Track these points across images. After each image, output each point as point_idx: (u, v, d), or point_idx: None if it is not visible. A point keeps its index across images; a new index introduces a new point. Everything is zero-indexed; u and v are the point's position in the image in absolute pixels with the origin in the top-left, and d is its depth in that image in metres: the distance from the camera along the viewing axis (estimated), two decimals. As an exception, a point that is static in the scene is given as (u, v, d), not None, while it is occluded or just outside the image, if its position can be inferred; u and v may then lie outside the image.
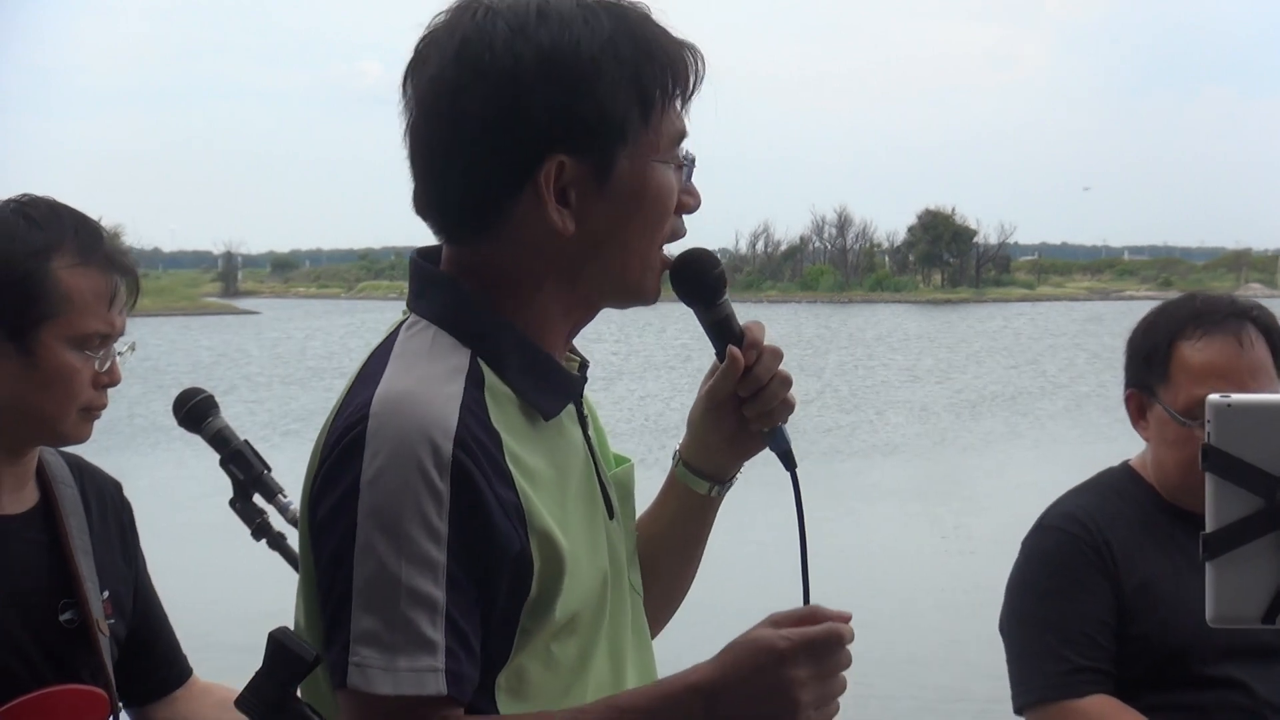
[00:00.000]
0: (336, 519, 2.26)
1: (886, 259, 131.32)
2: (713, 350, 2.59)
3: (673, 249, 2.50)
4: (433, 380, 2.31)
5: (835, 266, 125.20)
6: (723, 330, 2.56)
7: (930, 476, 26.05)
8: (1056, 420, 33.54)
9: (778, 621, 2.29)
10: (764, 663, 2.24)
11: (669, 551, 2.69)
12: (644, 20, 2.39)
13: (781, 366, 2.58)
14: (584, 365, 2.55)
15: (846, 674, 2.32)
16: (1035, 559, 3.86)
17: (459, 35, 2.35)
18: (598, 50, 2.33)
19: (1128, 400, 3.90)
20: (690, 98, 2.44)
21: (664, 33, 2.40)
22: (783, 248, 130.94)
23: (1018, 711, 3.82)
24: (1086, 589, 3.77)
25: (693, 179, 2.48)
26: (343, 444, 2.29)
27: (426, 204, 2.43)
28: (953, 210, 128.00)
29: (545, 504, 2.33)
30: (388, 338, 2.42)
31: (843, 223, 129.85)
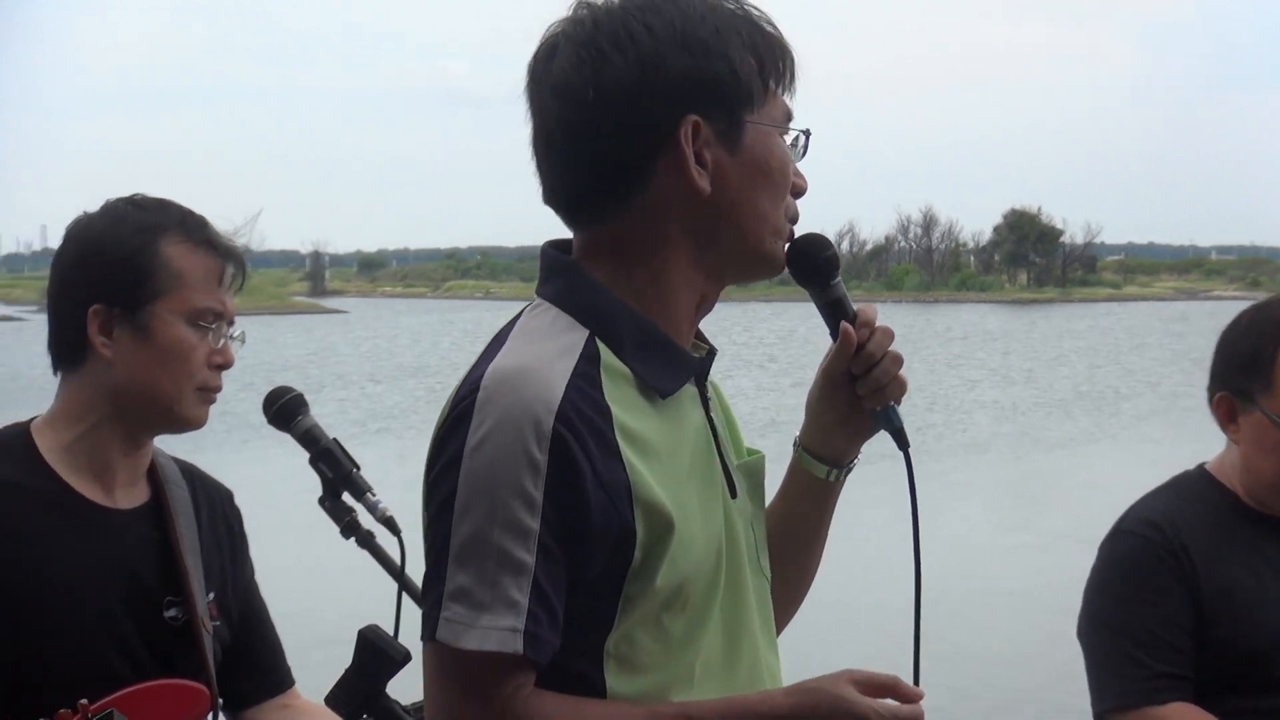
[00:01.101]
0: (441, 483, 2.37)
1: (972, 259, 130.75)
2: (828, 335, 2.65)
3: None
4: (544, 356, 2.40)
5: (920, 266, 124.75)
6: (837, 310, 2.61)
7: (1016, 476, 25.95)
8: (1145, 421, 33.34)
9: (858, 681, 2.37)
10: (838, 712, 2.35)
11: (791, 538, 2.73)
12: (754, 13, 2.50)
13: (889, 326, 2.63)
14: (711, 352, 2.61)
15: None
16: (1112, 564, 3.82)
17: (591, 20, 2.47)
18: (722, 23, 2.45)
19: (1218, 403, 3.82)
20: (791, 85, 2.54)
21: (773, 26, 2.51)
22: (868, 248, 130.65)
23: (1097, 718, 3.79)
24: (1164, 594, 3.71)
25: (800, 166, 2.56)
26: (453, 415, 2.39)
27: (557, 190, 2.52)
28: (1038, 210, 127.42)
29: (655, 475, 2.39)
30: (512, 319, 2.52)
31: (928, 222, 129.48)
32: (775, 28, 2.51)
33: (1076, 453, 28.43)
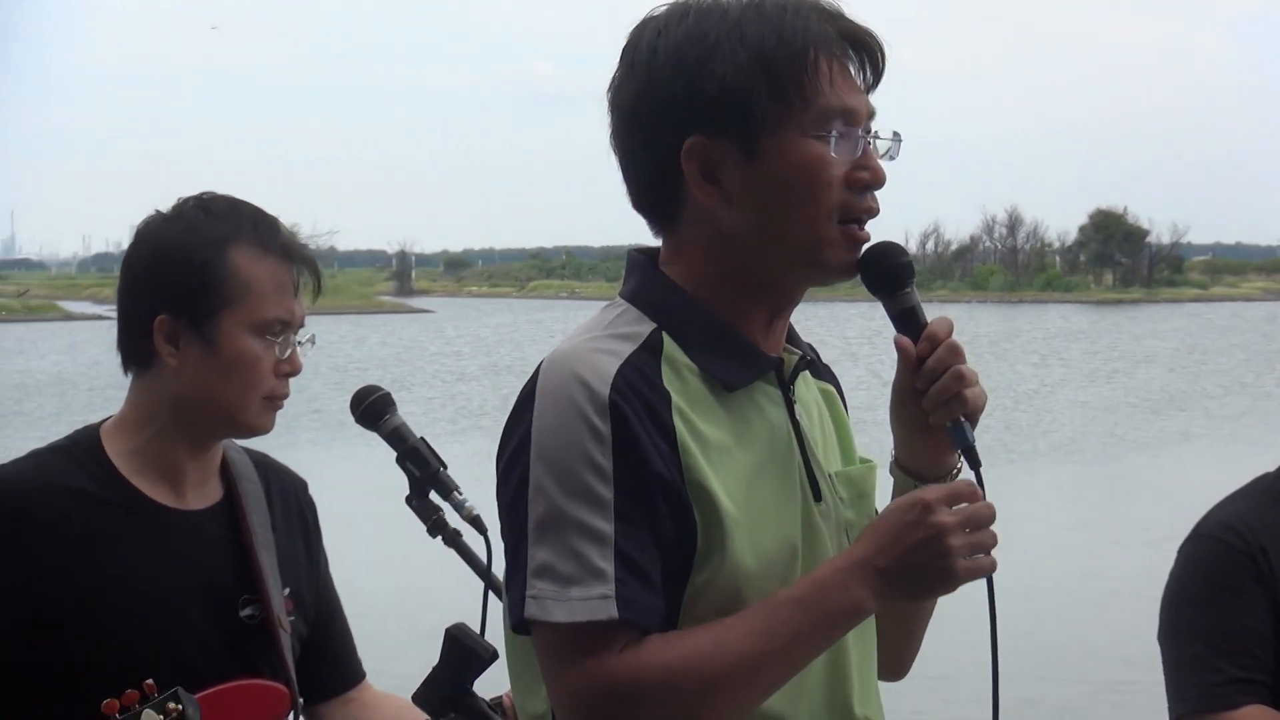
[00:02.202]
0: (513, 468, 2.41)
1: (1057, 259, 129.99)
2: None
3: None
4: (600, 340, 2.45)
5: (1005, 266, 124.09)
6: (906, 321, 2.55)
7: (1104, 476, 25.81)
8: (1235, 421, 33.10)
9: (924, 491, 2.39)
10: (912, 516, 2.36)
11: None
12: (786, 6, 2.45)
13: (959, 343, 2.55)
14: (804, 358, 2.61)
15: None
16: (1190, 568, 3.78)
17: (628, 40, 2.53)
18: (721, 35, 2.43)
19: None
20: (867, 71, 2.50)
21: (810, 15, 2.46)
22: (953, 248, 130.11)
23: None
24: (1242, 598, 3.68)
25: (871, 156, 2.50)
26: (518, 402, 2.45)
27: (633, 201, 2.57)
28: (1124, 210, 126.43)
29: (711, 465, 2.41)
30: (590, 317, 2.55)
31: (1013, 223, 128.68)
32: (810, 19, 2.45)
33: (1164, 453, 28.24)
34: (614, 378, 2.37)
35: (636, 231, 2.63)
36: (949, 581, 2.37)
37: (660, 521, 2.36)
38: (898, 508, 2.38)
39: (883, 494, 2.67)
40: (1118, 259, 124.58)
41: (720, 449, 2.43)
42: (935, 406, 2.53)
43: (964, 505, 2.39)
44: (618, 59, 2.52)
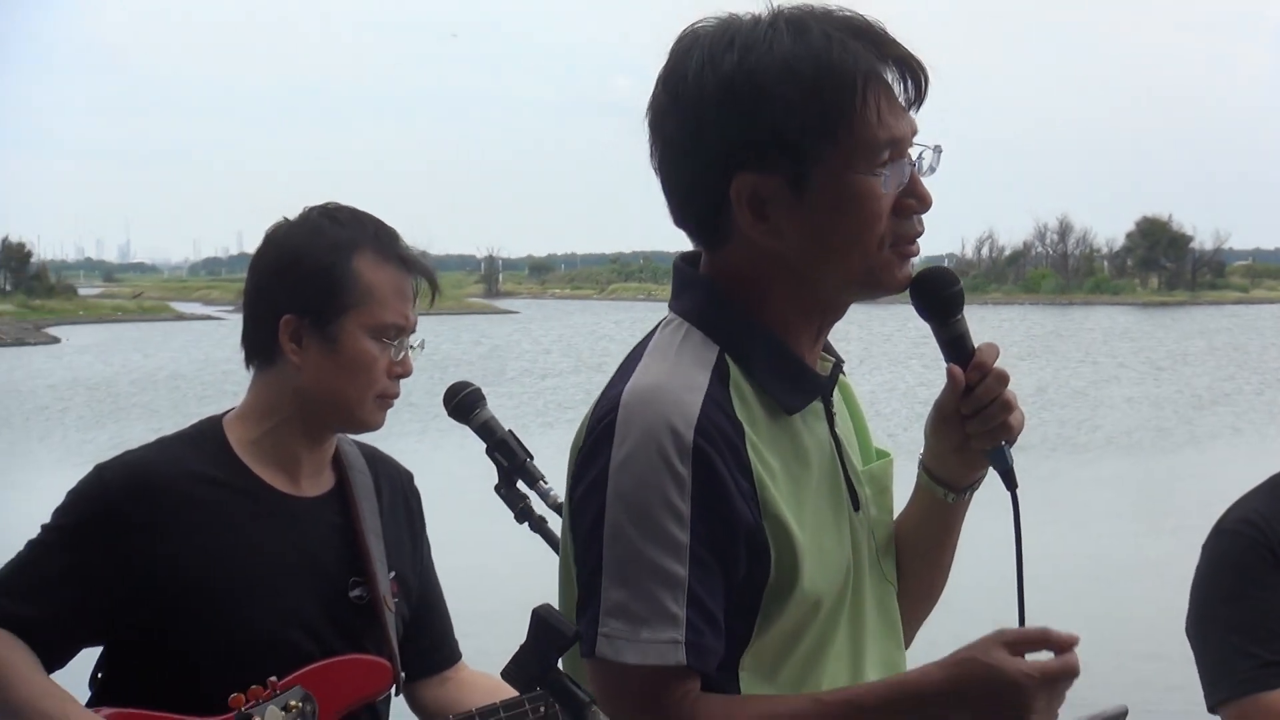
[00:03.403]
0: (589, 501, 2.32)
1: (1105, 264, 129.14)
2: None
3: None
4: (679, 373, 2.35)
5: (1056, 271, 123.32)
6: (955, 348, 2.48)
7: (1151, 470, 25.62)
8: (1274, 416, 32.85)
9: (1009, 643, 2.27)
10: (1005, 696, 2.25)
11: (916, 554, 2.61)
12: (833, 37, 2.33)
13: (1005, 370, 2.49)
14: (837, 365, 2.54)
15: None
16: (1214, 562, 3.76)
17: (669, 64, 2.40)
18: (773, 76, 2.31)
19: None
20: (914, 96, 2.39)
21: (855, 47, 2.34)
22: (1006, 253, 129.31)
23: (1211, 710, 3.73)
24: (1267, 588, 3.65)
25: (918, 183, 2.40)
26: (596, 432, 2.35)
27: (675, 220, 2.47)
28: (1169, 217, 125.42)
29: (781, 494, 2.35)
30: (647, 335, 2.46)
31: (1064, 229, 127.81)
32: (858, 50, 2.34)
33: (1211, 446, 28.03)
34: (699, 419, 2.29)
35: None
36: None
37: (734, 562, 2.31)
38: (991, 677, 2.25)
39: (902, 488, 2.64)
40: (1163, 264, 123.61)
41: (784, 475, 2.37)
42: (980, 433, 2.47)
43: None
44: (662, 81, 2.40)
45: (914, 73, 2.39)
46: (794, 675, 2.39)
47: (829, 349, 2.55)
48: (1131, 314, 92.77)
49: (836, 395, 2.55)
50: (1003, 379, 2.46)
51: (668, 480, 2.27)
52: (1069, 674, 2.27)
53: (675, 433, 2.28)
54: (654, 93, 2.42)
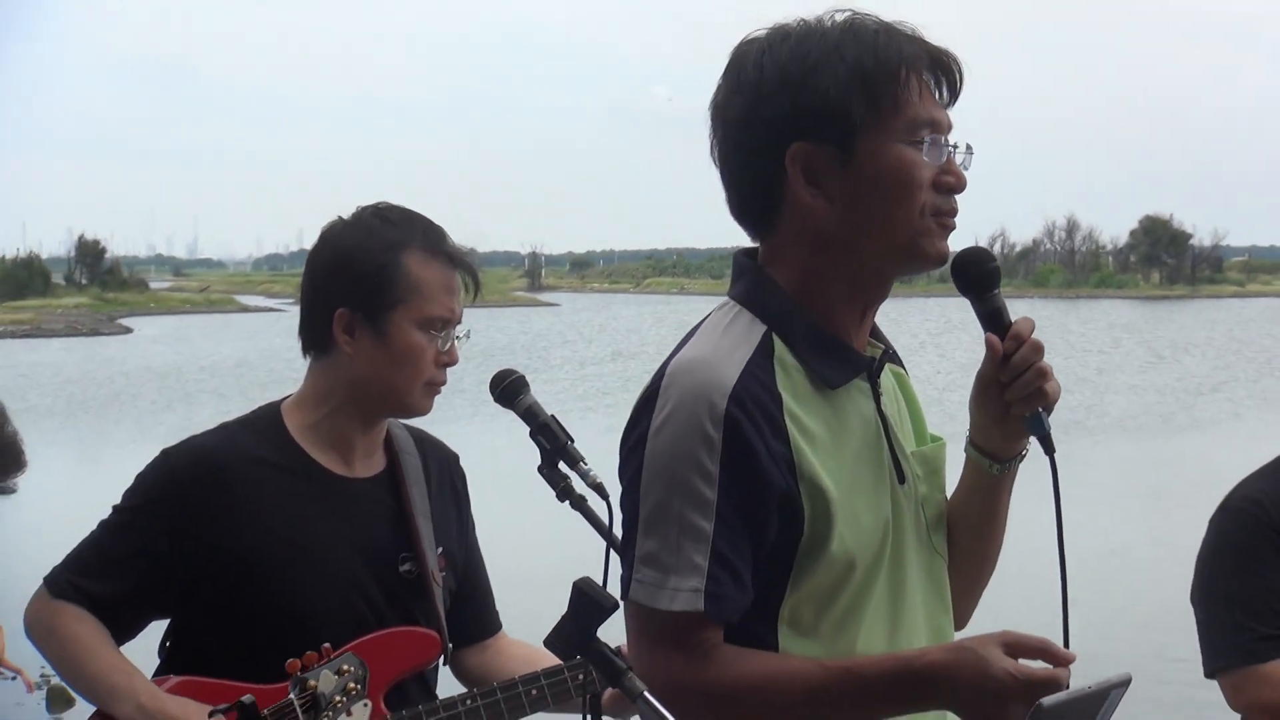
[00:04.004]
0: (631, 459, 2.40)
1: (1110, 260, 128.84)
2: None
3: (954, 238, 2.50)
4: (722, 348, 2.41)
5: (1064, 266, 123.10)
6: (993, 320, 2.51)
7: (1158, 449, 25.57)
8: (1270, 402, 32.75)
9: (1008, 644, 2.30)
10: (990, 689, 2.28)
11: (967, 527, 2.63)
12: (878, 31, 2.44)
13: (1040, 340, 2.52)
14: (887, 352, 2.58)
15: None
16: (1219, 538, 3.76)
17: (730, 63, 2.50)
18: (823, 55, 2.41)
19: None
20: (949, 89, 2.48)
21: (902, 38, 2.44)
22: (1017, 249, 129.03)
23: (1208, 676, 3.74)
24: (1268, 565, 3.66)
25: (954, 162, 2.47)
26: (642, 399, 2.43)
27: (733, 209, 2.53)
28: (1170, 216, 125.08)
29: (819, 458, 2.38)
30: (703, 318, 2.52)
31: (1071, 227, 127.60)
32: (903, 41, 2.44)
33: (1211, 430, 27.96)
34: (734, 387, 2.35)
35: (739, 235, 2.60)
36: None
37: (761, 522, 2.35)
38: (982, 671, 2.28)
39: (953, 469, 2.65)
40: (1164, 259, 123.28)
41: (825, 442, 2.41)
42: (1018, 399, 2.49)
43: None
44: (721, 77, 2.50)
45: (949, 71, 2.48)
46: (830, 632, 2.43)
47: (881, 337, 2.60)
48: (1135, 307, 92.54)
49: (890, 381, 2.60)
50: (1038, 348, 2.49)
51: (699, 443, 2.33)
52: (1053, 686, 2.28)
53: (710, 400, 2.34)
54: (716, 90, 2.50)
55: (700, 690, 2.33)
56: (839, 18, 2.45)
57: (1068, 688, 2.29)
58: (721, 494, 2.32)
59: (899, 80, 2.41)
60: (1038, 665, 2.33)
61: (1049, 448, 2.51)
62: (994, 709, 2.29)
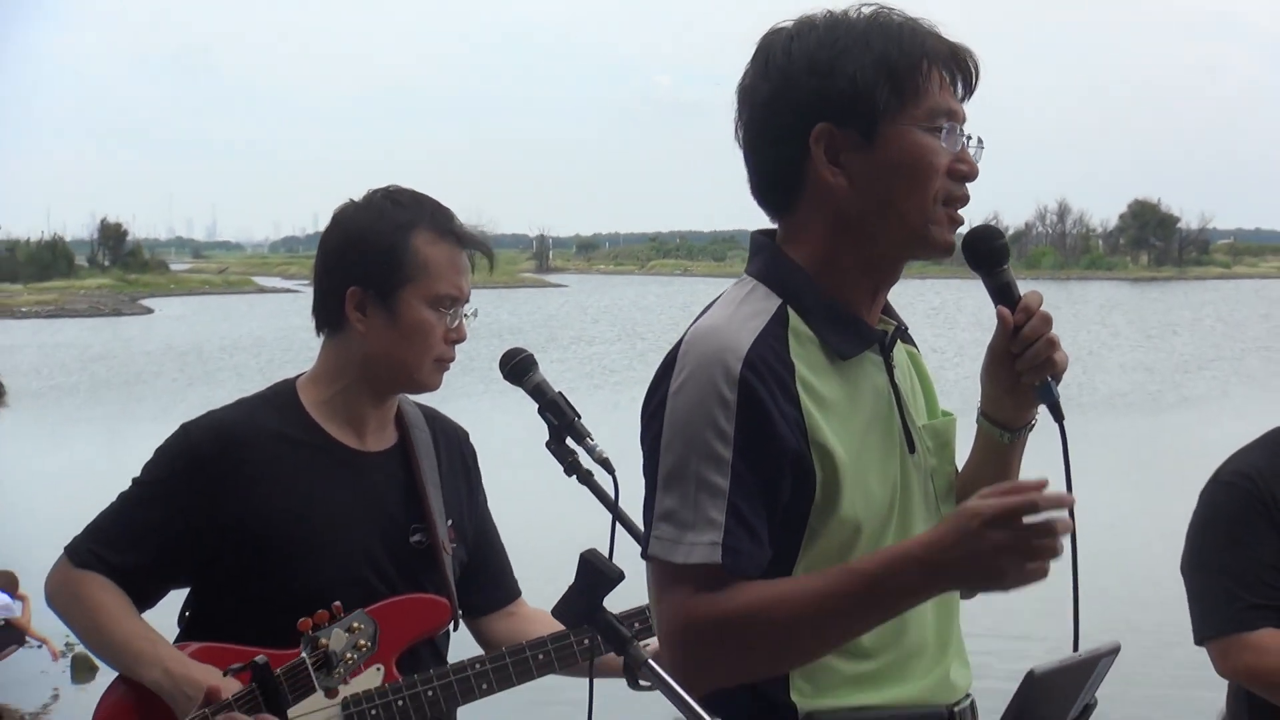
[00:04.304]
0: (652, 422, 2.43)
1: (1100, 242, 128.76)
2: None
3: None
4: (738, 317, 2.44)
5: (1055, 248, 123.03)
6: (1003, 294, 2.54)
7: (1143, 428, 25.57)
8: (1256, 380, 32.76)
9: (984, 495, 2.27)
10: (967, 526, 2.23)
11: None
12: (903, 23, 2.47)
13: (1049, 312, 2.54)
14: (898, 328, 2.60)
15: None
16: (1210, 510, 3.75)
17: (761, 45, 2.52)
18: (850, 43, 2.44)
19: None
20: (964, 83, 2.50)
21: (925, 33, 2.47)
22: (1010, 233, 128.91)
23: (1197, 643, 3.74)
24: (1256, 537, 3.65)
25: (968, 152, 2.49)
26: (664, 363, 2.45)
27: (752, 186, 2.55)
28: (1158, 200, 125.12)
29: (830, 424, 2.40)
30: (723, 291, 2.55)
31: (1062, 211, 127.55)
32: (926, 35, 2.46)
33: (1199, 407, 27.96)
34: (748, 352, 2.37)
35: (741, 220, 2.61)
36: (996, 586, 2.28)
37: (775, 481, 2.36)
38: (958, 516, 2.25)
39: (964, 442, 2.65)
40: (1152, 242, 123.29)
41: (836, 410, 2.42)
42: (1029, 368, 2.52)
43: (1020, 515, 2.23)
44: (752, 62, 2.52)
45: (966, 67, 2.50)
46: None
47: (893, 314, 2.61)
48: (1124, 288, 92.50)
49: (903, 357, 2.62)
50: (1047, 320, 2.52)
51: (716, 405, 2.35)
52: (1025, 506, 2.21)
53: (725, 364, 2.36)
54: (743, 74, 2.53)
55: (712, 623, 2.33)
56: (865, 10, 2.48)
57: (1045, 505, 2.22)
58: (737, 453, 2.34)
59: (921, 71, 2.44)
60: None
61: (1058, 415, 2.54)
62: (979, 549, 2.23)
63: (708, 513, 2.33)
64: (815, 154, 2.45)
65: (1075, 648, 2.39)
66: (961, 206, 2.50)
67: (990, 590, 2.32)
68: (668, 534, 2.36)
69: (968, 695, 2.54)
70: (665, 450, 2.38)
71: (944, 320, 48.91)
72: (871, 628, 2.37)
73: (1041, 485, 2.25)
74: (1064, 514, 2.25)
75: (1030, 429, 2.63)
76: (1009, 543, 2.22)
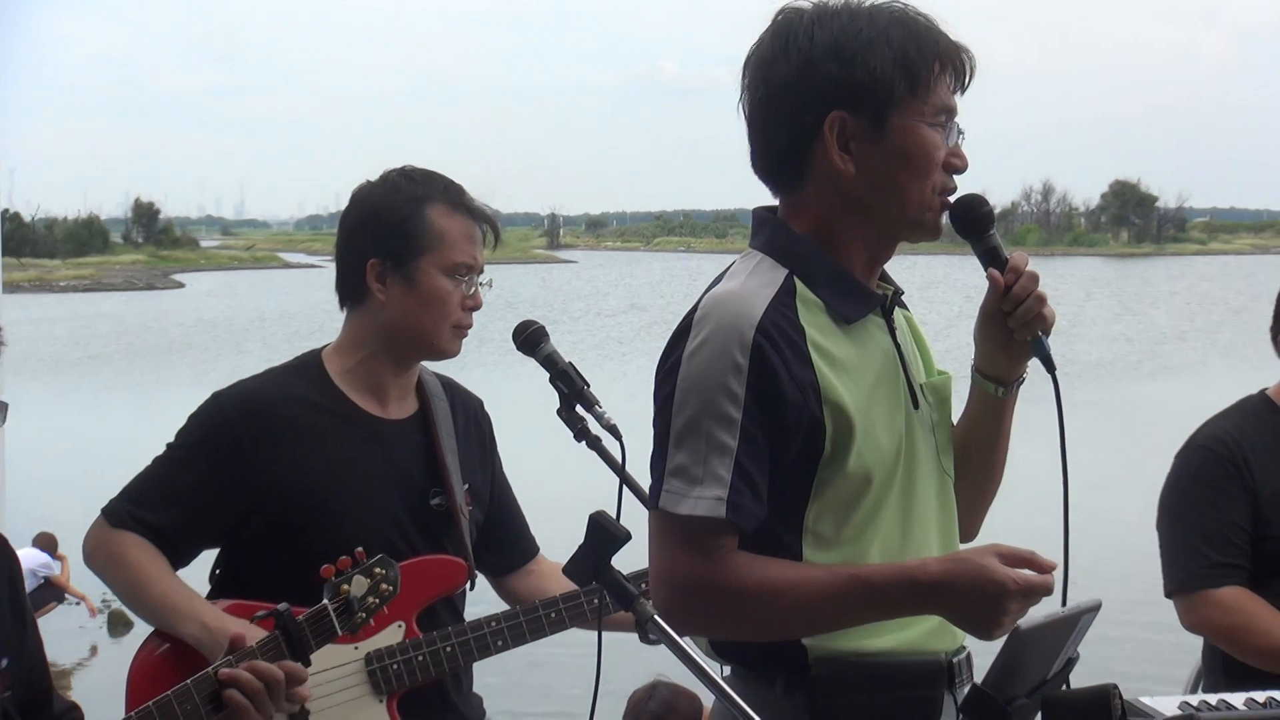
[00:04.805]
0: (666, 382, 2.43)
1: (1082, 220, 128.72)
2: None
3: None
4: (749, 286, 2.45)
5: (1040, 226, 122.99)
6: (991, 256, 2.57)
7: (1123, 395, 25.57)
8: (1229, 350, 32.76)
9: (1001, 554, 2.35)
10: (990, 591, 2.32)
11: (974, 448, 2.68)
12: (919, 21, 2.48)
13: (1036, 270, 2.58)
14: (897, 292, 2.62)
15: None
16: (1184, 472, 3.77)
17: (781, 23, 2.50)
18: (873, 35, 2.44)
19: (1275, 337, 3.79)
20: (960, 82, 2.51)
21: (937, 32, 2.49)
22: (997, 211, 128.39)
23: (1167, 595, 3.77)
24: (1226, 498, 3.68)
25: (960, 147, 2.52)
26: (679, 328, 2.46)
27: (758, 161, 2.55)
28: (1138, 180, 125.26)
29: (841, 383, 2.42)
30: (730, 264, 2.56)
31: (1046, 191, 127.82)
32: (942, 34, 2.48)
33: (1177, 375, 27.96)
34: (760, 320, 2.38)
35: (742, 199, 2.61)
36: (983, 638, 2.38)
37: (783, 441, 2.38)
38: (982, 577, 2.33)
39: (958, 398, 2.67)
40: (1132, 220, 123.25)
41: (847, 369, 2.44)
42: (1021, 324, 2.55)
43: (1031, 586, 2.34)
44: (770, 39, 2.49)
45: (961, 65, 2.51)
46: (848, 540, 2.45)
47: (889, 279, 2.63)
48: (1105, 264, 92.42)
49: (901, 320, 2.63)
50: (1035, 278, 2.56)
51: (729, 368, 2.36)
52: (1044, 590, 2.34)
53: (739, 330, 2.37)
54: (760, 46, 2.51)
55: (717, 591, 2.36)
56: (878, 2, 2.49)
57: (1050, 591, 2.35)
58: (746, 414, 2.35)
59: (933, 69, 2.46)
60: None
61: (1050, 366, 2.58)
62: (992, 610, 2.33)
63: (716, 469, 2.34)
64: (828, 139, 2.45)
65: (1064, 603, 2.39)
66: (951, 196, 2.53)
67: (972, 634, 2.42)
68: (677, 488, 2.37)
69: (963, 647, 2.56)
70: (678, 409, 2.39)
71: (935, 294, 48.84)
72: (860, 625, 2.43)
73: (1054, 566, 2.36)
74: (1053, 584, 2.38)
75: (1020, 384, 2.67)
76: (1016, 611, 2.33)
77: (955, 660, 2.52)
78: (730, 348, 2.36)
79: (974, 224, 2.56)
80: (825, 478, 2.42)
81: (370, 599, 2.76)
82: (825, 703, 2.42)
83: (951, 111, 2.49)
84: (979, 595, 2.32)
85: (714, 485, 2.34)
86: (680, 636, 2.27)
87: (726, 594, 2.36)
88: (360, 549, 2.80)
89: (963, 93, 2.53)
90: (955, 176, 2.52)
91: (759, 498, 2.37)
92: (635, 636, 3.11)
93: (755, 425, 2.35)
